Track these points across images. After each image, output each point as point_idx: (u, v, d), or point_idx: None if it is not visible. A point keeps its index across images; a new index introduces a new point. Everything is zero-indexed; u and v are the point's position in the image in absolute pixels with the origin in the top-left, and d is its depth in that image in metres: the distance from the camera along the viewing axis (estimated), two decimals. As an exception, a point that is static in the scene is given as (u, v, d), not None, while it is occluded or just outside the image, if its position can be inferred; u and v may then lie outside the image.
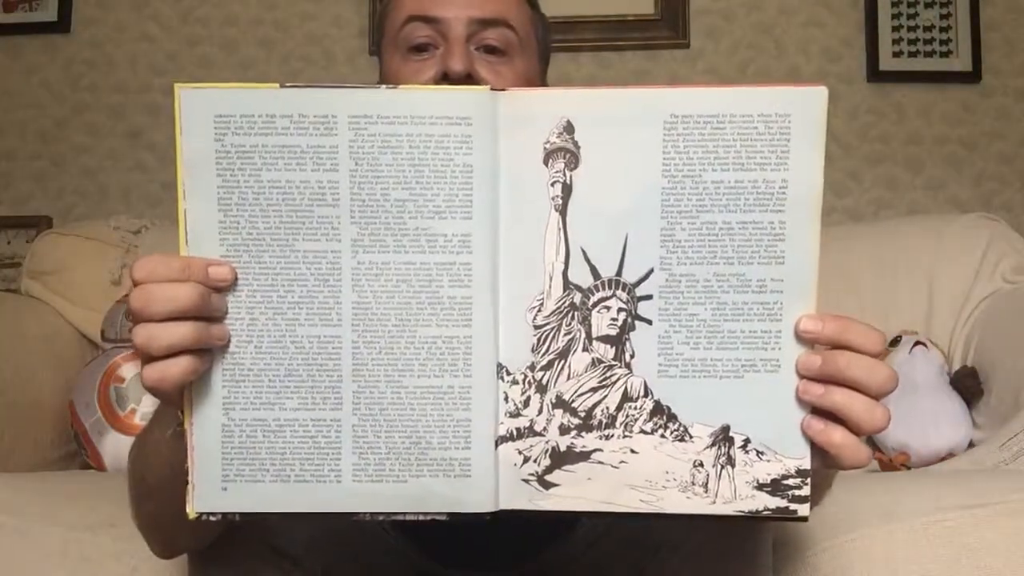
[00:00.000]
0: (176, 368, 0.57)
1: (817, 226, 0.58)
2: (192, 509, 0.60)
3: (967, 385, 1.42)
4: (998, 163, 1.94)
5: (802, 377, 0.59)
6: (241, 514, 0.60)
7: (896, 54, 1.93)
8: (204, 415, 0.59)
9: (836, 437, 0.58)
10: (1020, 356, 1.34)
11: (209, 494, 0.60)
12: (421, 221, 0.58)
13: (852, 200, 1.94)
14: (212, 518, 0.60)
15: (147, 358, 0.58)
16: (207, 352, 0.59)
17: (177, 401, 0.61)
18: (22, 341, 1.52)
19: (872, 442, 1.47)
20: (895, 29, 1.93)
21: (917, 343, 1.46)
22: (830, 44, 1.95)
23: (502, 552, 0.96)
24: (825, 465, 0.60)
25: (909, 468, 1.39)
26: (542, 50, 0.97)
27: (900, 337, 1.49)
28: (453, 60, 0.85)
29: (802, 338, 0.59)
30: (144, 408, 1.44)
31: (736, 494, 0.59)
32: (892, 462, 1.40)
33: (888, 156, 1.94)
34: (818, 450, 0.59)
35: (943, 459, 1.36)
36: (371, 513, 0.61)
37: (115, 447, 1.43)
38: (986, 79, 1.93)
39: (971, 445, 1.38)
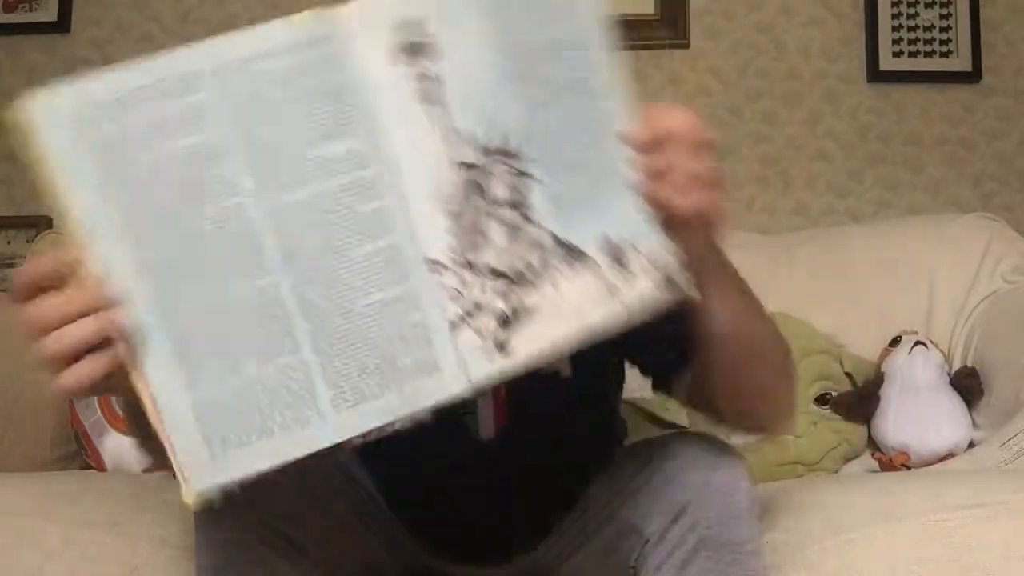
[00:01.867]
0: (87, 368, 0.58)
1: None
2: (189, 497, 0.59)
3: (967, 385, 1.42)
4: (998, 163, 1.94)
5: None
6: (239, 480, 0.60)
7: (896, 54, 1.93)
8: (171, 402, 0.59)
9: (664, 191, 0.65)
10: (1020, 356, 1.34)
11: (201, 474, 0.59)
12: (312, 150, 0.59)
13: (852, 200, 1.94)
14: (211, 495, 0.60)
15: (56, 368, 0.60)
16: (119, 341, 0.59)
17: (118, 391, 0.61)
18: (22, 341, 1.52)
19: (872, 442, 1.47)
20: (895, 29, 1.93)
21: (917, 343, 1.46)
22: (830, 44, 1.95)
23: (499, 544, 0.98)
24: (683, 228, 0.66)
25: (909, 468, 1.39)
26: None
27: (900, 337, 1.49)
28: None
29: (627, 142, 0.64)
30: (144, 408, 1.44)
31: (638, 292, 0.65)
32: (892, 462, 1.40)
33: (888, 156, 1.95)
34: (670, 221, 0.66)
35: (943, 459, 1.37)
36: (361, 435, 0.61)
37: (115, 447, 1.43)
38: (986, 79, 1.94)
39: (971, 445, 1.38)
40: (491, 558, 0.99)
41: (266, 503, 0.83)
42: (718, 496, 0.82)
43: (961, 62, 1.93)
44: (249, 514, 0.81)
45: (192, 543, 0.86)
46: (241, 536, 0.82)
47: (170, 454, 0.59)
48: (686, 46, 1.95)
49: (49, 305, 0.59)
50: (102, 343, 0.58)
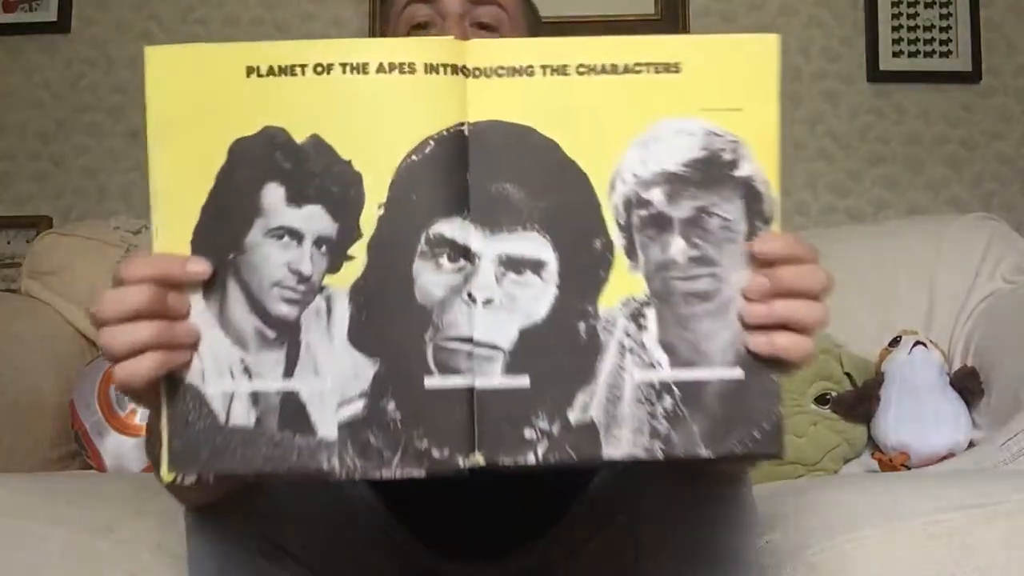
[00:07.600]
0: (141, 366, 0.57)
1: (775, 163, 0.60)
2: (165, 472, 0.59)
3: (967, 385, 1.42)
4: (998, 163, 1.94)
5: (749, 300, 0.60)
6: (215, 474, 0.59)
7: (896, 54, 1.93)
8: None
9: (782, 340, 0.60)
10: (1020, 356, 1.34)
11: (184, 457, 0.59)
12: None
13: (852, 200, 1.94)
14: (187, 480, 0.59)
15: (113, 359, 0.58)
16: (181, 348, 0.59)
17: (152, 401, 0.61)
18: (22, 341, 1.52)
19: (872, 442, 1.47)
20: (895, 29, 1.93)
21: (917, 343, 1.46)
22: (830, 44, 1.95)
23: (497, 542, 0.98)
24: (779, 371, 0.61)
25: (909, 468, 1.39)
26: (532, 28, 1.02)
27: (900, 337, 1.49)
28: (452, 35, 0.89)
29: (757, 259, 0.60)
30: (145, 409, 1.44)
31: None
32: (892, 462, 1.40)
33: (888, 156, 1.95)
34: (767, 361, 0.61)
35: (943, 459, 1.36)
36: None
37: (116, 448, 1.43)
38: (986, 79, 1.94)
39: (971, 445, 1.38)
40: (489, 555, 0.99)
41: (258, 510, 0.83)
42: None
43: (961, 62, 1.93)
44: (241, 521, 0.81)
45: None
46: (234, 544, 0.81)
47: (162, 428, 0.59)
48: (686, 46, 1.95)
49: (112, 300, 0.58)
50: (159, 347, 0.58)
